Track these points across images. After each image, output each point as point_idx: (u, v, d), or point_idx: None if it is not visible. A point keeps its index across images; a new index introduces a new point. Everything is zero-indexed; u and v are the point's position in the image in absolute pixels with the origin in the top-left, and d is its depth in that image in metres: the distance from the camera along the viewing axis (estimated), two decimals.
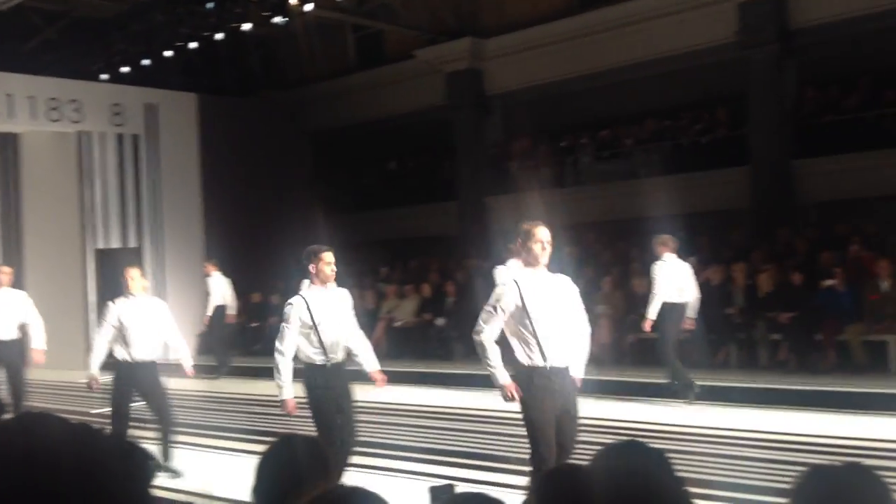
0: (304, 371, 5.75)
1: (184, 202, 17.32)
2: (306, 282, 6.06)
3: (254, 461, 2.52)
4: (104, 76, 16.18)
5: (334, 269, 5.76)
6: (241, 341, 16.58)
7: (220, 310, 14.11)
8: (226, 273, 14.61)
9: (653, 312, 9.45)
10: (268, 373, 11.13)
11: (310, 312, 5.65)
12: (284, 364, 5.67)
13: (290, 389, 5.69)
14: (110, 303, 7.32)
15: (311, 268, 5.73)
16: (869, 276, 11.14)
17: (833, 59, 13.97)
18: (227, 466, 7.53)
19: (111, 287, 16.30)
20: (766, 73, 13.96)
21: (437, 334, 14.50)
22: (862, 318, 10.81)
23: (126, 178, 16.56)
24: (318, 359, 5.69)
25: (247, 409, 10.73)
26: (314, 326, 5.64)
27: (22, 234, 17.10)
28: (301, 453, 2.54)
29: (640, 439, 2.56)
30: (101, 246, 16.14)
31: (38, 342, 9.12)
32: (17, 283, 16.76)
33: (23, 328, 9.15)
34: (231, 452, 8.14)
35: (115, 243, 16.39)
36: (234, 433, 9.03)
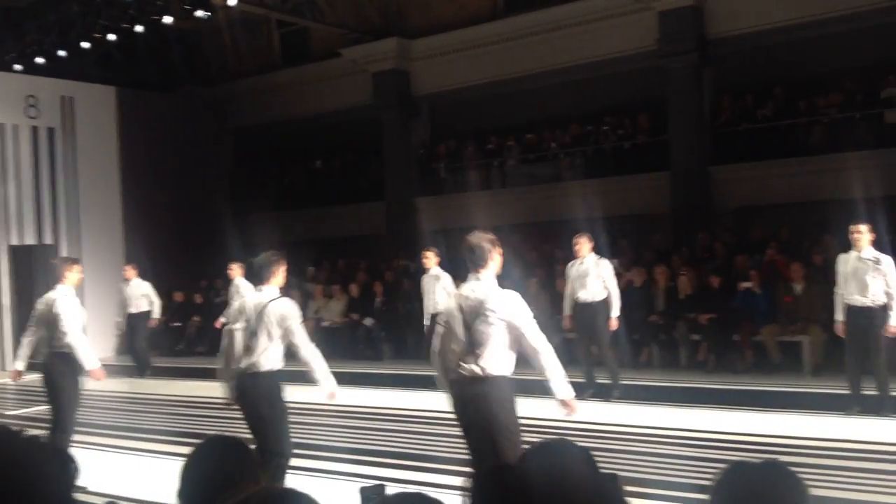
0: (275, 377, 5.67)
1: (102, 198, 16.79)
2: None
3: (178, 463, 2.45)
4: (18, 67, 15.54)
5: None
6: (164, 341, 16.18)
7: (144, 314, 13.66)
8: (146, 271, 14.19)
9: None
10: (192, 373, 10.93)
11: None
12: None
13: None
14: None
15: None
16: (783, 279, 11.55)
17: (748, 68, 14.46)
18: (151, 469, 7.32)
19: (26, 284, 15.73)
20: (684, 82, 14.35)
21: (366, 334, 14.42)
22: (777, 320, 11.19)
23: (41, 172, 15.97)
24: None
25: (170, 411, 10.46)
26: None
27: None
28: (227, 455, 2.48)
29: (565, 438, 2.58)
30: (15, 242, 15.51)
31: None
32: None
33: None
34: (154, 455, 7.91)
35: (30, 240, 15.77)
36: (158, 435, 8.78)
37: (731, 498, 1.98)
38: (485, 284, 4.77)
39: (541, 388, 10.35)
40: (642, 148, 14.95)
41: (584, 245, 9.66)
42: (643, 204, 14.96)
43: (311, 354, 5.57)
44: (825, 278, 10.60)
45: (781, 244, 12.73)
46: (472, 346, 4.65)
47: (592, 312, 9.57)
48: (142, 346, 13.73)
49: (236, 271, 12.09)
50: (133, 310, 13.55)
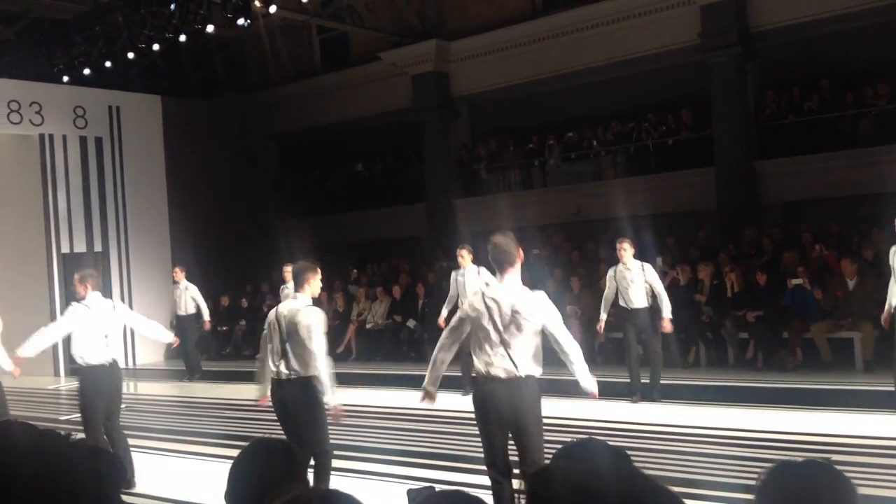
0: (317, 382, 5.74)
1: (149, 205, 17.10)
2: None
3: (226, 466, 2.47)
4: (66, 78, 15.90)
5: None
6: (211, 345, 16.42)
7: (191, 318, 13.82)
8: (193, 276, 14.40)
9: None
10: (238, 376, 11.08)
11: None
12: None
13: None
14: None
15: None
16: (833, 274, 11.31)
17: (793, 61, 14.20)
18: (200, 471, 7.42)
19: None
20: (727, 76, 14.14)
21: (409, 336, 14.47)
22: (827, 317, 10.96)
23: (90, 180, 16.32)
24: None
25: (218, 414, 10.61)
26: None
27: None
28: (275, 457, 2.50)
29: (608, 438, 2.55)
30: (66, 250, 15.87)
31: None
32: None
33: None
34: (203, 457, 8.03)
35: (80, 247, 16.12)
36: (206, 438, 8.91)
37: (776, 498, 1.94)
38: (514, 285, 4.80)
39: (577, 389, 10.28)
40: (686, 144, 14.78)
41: (627, 251, 9.56)
42: (688, 201, 14.78)
43: (323, 366, 5.60)
44: (877, 273, 10.37)
45: (831, 239, 12.48)
46: (506, 347, 4.70)
47: (640, 317, 9.51)
48: (192, 350, 13.92)
49: (290, 274, 12.17)
50: (182, 312, 13.73)
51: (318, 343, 5.56)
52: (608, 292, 9.77)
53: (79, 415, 7.10)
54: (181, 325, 13.87)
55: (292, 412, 5.62)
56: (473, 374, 4.93)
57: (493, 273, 4.98)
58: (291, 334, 5.58)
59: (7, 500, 1.14)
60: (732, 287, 11.85)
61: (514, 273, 4.82)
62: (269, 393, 5.80)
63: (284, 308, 5.75)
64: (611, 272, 9.79)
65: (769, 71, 14.54)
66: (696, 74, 14.57)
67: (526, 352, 4.72)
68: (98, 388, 6.90)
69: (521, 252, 4.93)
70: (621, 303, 9.63)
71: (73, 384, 7.61)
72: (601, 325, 10.01)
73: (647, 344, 9.65)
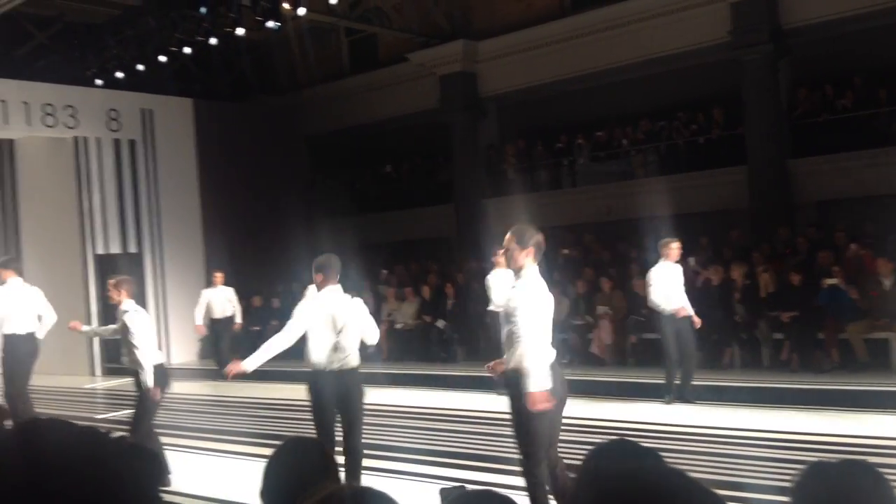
0: (309, 374, 5.75)
1: (182, 206, 17.30)
2: (312, 287, 6.09)
3: (260, 464, 2.48)
4: (99, 81, 16.12)
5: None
6: (243, 346, 16.53)
7: (227, 319, 14.00)
8: (226, 277, 14.56)
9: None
10: (271, 376, 11.13)
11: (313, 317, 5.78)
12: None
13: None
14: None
15: (317, 277, 5.88)
16: (869, 274, 11.13)
17: (826, 58, 14.00)
18: (235, 470, 7.48)
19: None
20: (759, 73, 13.97)
21: (438, 336, 14.47)
22: (863, 317, 10.79)
23: (124, 183, 16.53)
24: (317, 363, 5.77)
25: (251, 413, 10.69)
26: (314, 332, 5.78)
27: (20, 241, 17.04)
28: (308, 456, 2.51)
29: (641, 440, 2.52)
30: (100, 251, 16.09)
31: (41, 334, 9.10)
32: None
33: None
34: (238, 456, 8.09)
35: (115, 249, 16.33)
36: (240, 437, 8.98)
37: (812, 498, 1.91)
38: (516, 282, 4.94)
39: (616, 390, 10.23)
40: (717, 142, 14.63)
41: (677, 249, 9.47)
42: (720, 200, 14.62)
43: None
44: None
45: (866, 238, 12.28)
46: (508, 342, 4.89)
47: (678, 317, 9.40)
48: (226, 350, 14.07)
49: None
50: (218, 315, 13.90)
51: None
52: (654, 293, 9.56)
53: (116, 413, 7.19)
54: (216, 327, 13.99)
55: (343, 403, 5.64)
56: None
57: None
58: (346, 326, 5.74)
59: (49, 498, 1.15)
60: (766, 287, 11.71)
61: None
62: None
63: (330, 300, 5.79)
64: (654, 271, 9.57)
65: (801, 68, 14.35)
66: (727, 72, 14.41)
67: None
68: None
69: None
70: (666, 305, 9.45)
71: (110, 383, 7.69)
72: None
73: (687, 344, 9.52)
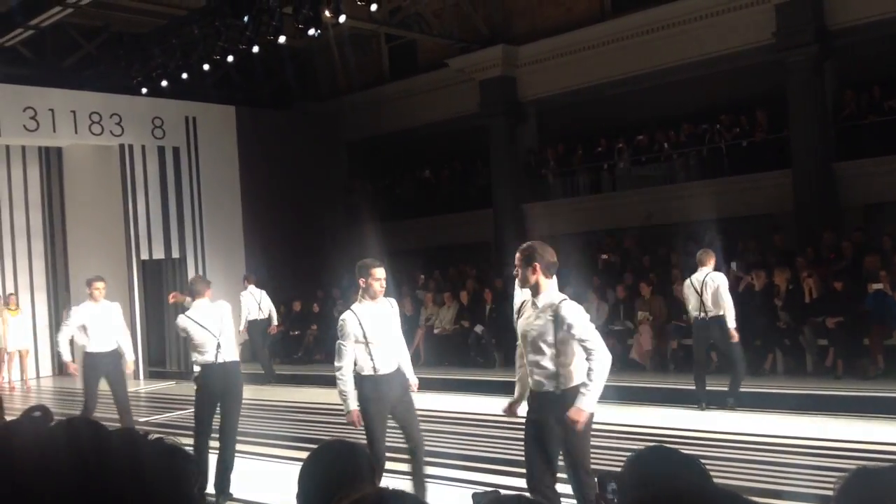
0: (355, 381, 5.75)
1: (224, 212, 17.55)
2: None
3: (298, 468, 2.51)
4: (144, 90, 16.44)
5: (383, 284, 5.78)
6: (283, 349, 16.72)
7: (261, 322, 14.13)
8: (266, 281, 14.69)
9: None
10: (309, 380, 11.26)
11: (361, 327, 5.68)
12: (345, 380, 5.70)
13: (353, 402, 5.69)
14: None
15: (362, 282, 5.76)
16: None
17: (873, 59, 13.73)
18: (273, 473, 7.55)
19: (156, 297, 16.59)
20: (804, 75, 13.75)
21: (476, 341, 14.46)
22: None
23: (168, 189, 16.82)
24: (368, 370, 5.72)
25: (289, 417, 10.78)
26: (366, 341, 5.67)
27: (67, 246, 17.43)
28: (343, 459, 2.53)
29: (682, 446, 2.50)
30: (145, 257, 16.38)
31: (130, 353, 9.24)
32: (64, 295, 17.20)
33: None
34: (276, 459, 8.17)
35: (159, 254, 16.62)
36: (279, 440, 9.07)
37: (856, 502, 1.88)
38: (540, 299, 4.82)
39: (657, 396, 10.14)
40: (761, 146, 14.42)
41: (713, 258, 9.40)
42: (763, 204, 14.41)
43: None
44: None
45: None
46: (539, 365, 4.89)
47: (720, 325, 9.29)
48: (264, 354, 14.21)
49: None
50: (251, 317, 14.00)
51: (336, 352, 5.81)
52: (693, 301, 9.47)
53: (171, 416, 7.30)
54: (250, 330, 14.06)
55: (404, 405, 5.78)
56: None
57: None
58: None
59: (90, 496, 1.18)
60: (810, 292, 11.51)
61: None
62: None
63: (366, 311, 5.81)
64: (693, 279, 9.46)
65: (847, 69, 14.09)
66: (771, 74, 14.21)
67: None
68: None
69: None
70: (699, 311, 9.37)
71: (153, 387, 7.81)
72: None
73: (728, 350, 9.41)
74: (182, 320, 6.99)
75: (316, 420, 10.36)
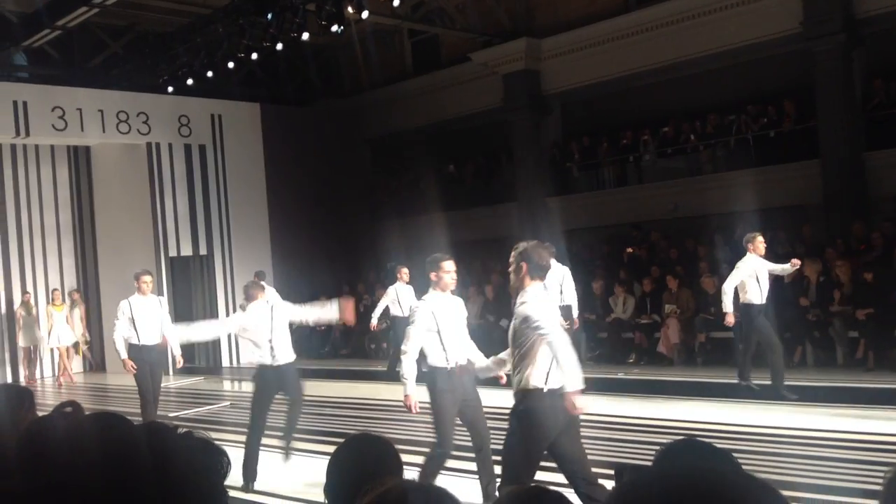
0: (427, 374, 5.84)
1: (250, 209, 17.68)
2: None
3: (326, 461, 2.52)
4: (170, 88, 16.58)
5: (454, 277, 5.92)
6: (310, 345, 16.81)
7: None
8: (291, 277, 14.75)
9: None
10: (336, 375, 11.29)
11: (433, 316, 5.78)
12: (408, 363, 5.79)
13: (412, 386, 5.76)
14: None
15: (433, 276, 5.86)
16: None
17: None
18: (301, 466, 7.60)
19: (184, 293, 16.74)
20: (832, 64, 13.55)
21: (502, 336, 14.42)
22: None
23: (195, 187, 16.97)
24: (441, 362, 5.79)
25: (317, 411, 10.84)
26: (438, 329, 5.77)
27: (96, 244, 17.64)
28: (371, 452, 2.54)
29: (711, 440, 2.47)
30: (173, 254, 16.54)
31: (178, 347, 9.33)
32: (94, 293, 17.42)
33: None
34: (304, 453, 8.21)
35: (187, 251, 16.78)
36: (307, 434, 9.11)
37: None
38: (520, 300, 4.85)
39: (685, 389, 10.06)
40: (789, 136, 14.25)
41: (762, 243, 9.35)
42: (792, 195, 14.23)
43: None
44: None
45: None
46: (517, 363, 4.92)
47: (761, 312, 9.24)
48: None
49: (406, 276, 12.39)
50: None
51: (405, 336, 5.92)
52: (743, 286, 9.29)
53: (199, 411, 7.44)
54: None
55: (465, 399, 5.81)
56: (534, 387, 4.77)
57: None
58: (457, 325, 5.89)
59: (119, 486, 1.19)
60: (841, 284, 11.36)
61: None
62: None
63: (439, 301, 5.88)
64: (747, 263, 9.32)
65: (877, 58, 13.87)
66: (799, 63, 14.03)
67: None
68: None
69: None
70: (754, 298, 9.23)
71: (182, 382, 7.90)
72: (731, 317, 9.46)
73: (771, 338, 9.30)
74: (237, 322, 7.47)
75: (342, 414, 10.40)
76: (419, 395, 5.85)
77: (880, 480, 1.91)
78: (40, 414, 2.85)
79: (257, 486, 7.11)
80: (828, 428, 7.67)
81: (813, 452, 6.90)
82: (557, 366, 4.62)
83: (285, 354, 7.28)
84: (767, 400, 9.05)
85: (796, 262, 9.30)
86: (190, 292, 16.95)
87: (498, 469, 6.22)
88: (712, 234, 13.87)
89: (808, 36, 13.62)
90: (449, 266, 5.84)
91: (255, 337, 7.21)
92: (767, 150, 14.42)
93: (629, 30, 15.90)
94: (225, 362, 16.86)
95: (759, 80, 14.89)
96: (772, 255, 12.73)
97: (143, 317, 8.96)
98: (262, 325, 7.18)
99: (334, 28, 13.92)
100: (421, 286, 13.36)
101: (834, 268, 11.52)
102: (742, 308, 9.33)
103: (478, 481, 6.02)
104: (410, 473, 5.62)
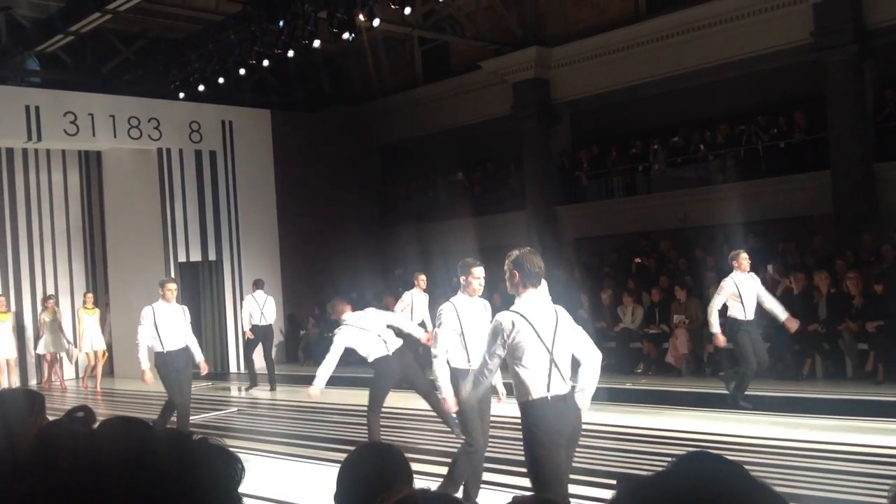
0: (451, 375, 5.87)
1: (260, 215, 17.74)
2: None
3: (334, 469, 2.53)
4: (181, 94, 16.66)
5: (482, 283, 6.03)
6: (318, 351, 16.80)
7: (261, 328, 13.98)
8: (299, 283, 14.73)
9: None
10: (343, 381, 11.28)
11: (458, 318, 5.90)
12: (440, 366, 5.85)
13: (448, 389, 5.79)
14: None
15: (462, 279, 6.01)
16: None
17: None
18: (309, 474, 7.60)
19: (193, 298, 16.77)
20: (843, 75, 13.53)
21: None
22: None
23: (205, 192, 17.02)
24: (463, 363, 5.88)
25: (326, 418, 10.84)
26: (462, 332, 5.89)
27: (105, 248, 17.71)
28: (382, 460, 2.54)
29: (719, 451, 2.46)
30: (182, 259, 16.58)
31: (199, 353, 9.43)
32: (102, 297, 17.45)
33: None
34: (312, 461, 8.22)
35: (196, 256, 16.82)
36: (315, 441, 9.12)
37: None
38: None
39: (693, 401, 10.03)
40: (799, 147, 14.22)
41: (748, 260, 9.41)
42: (801, 206, 14.21)
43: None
44: None
45: None
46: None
47: (754, 328, 9.39)
48: (251, 362, 14.15)
49: (423, 283, 12.17)
50: (253, 321, 13.93)
51: (434, 338, 6.04)
52: (730, 305, 9.47)
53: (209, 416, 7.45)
54: (257, 334, 13.99)
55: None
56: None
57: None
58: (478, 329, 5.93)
59: (140, 492, 1.20)
60: (851, 296, 11.32)
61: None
62: None
63: (464, 304, 5.99)
64: (730, 282, 9.44)
65: (888, 69, 13.85)
66: (810, 74, 14.01)
67: None
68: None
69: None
70: (738, 314, 9.35)
71: (194, 387, 7.90)
72: (720, 338, 9.62)
73: (762, 354, 9.43)
74: (344, 334, 8.23)
75: (350, 422, 10.39)
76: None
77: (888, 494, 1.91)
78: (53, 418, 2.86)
79: (266, 493, 7.09)
80: (837, 441, 7.63)
81: (822, 465, 6.86)
82: (556, 372, 4.61)
83: (395, 340, 8.13)
84: (775, 412, 9.02)
85: (792, 325, 9.41)
86: (199, 298, 16.99)
87: (487, 475, 6.25)
88: (721, 245, 13.84)
89: (819, 46, 13.61)
90: (479, 272, 5.98)
91: (365, 338, 8.17)
92: (777, 161, 14.39)
93: (639, 39, 15.92)
94: (232, 368, 16.90)
95: (769, 91, 14.88)
96: (781, 266, 12.72)
97: (167, 324, 9.05)
98: (366, 325, 8.11)
99: (345, 35, 13.97)
100: (432, 292, 13.41)
101: (844, 280, 11.47)
102: (728, 322, 9.48)
103: (502, 492, 6.02)
104: (420, 482, 5.62)
